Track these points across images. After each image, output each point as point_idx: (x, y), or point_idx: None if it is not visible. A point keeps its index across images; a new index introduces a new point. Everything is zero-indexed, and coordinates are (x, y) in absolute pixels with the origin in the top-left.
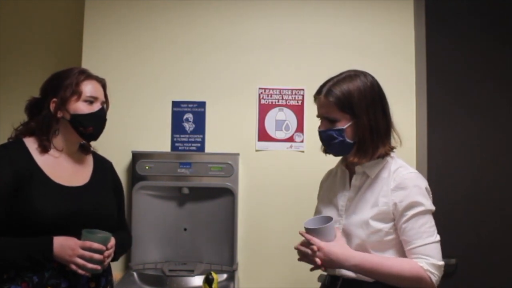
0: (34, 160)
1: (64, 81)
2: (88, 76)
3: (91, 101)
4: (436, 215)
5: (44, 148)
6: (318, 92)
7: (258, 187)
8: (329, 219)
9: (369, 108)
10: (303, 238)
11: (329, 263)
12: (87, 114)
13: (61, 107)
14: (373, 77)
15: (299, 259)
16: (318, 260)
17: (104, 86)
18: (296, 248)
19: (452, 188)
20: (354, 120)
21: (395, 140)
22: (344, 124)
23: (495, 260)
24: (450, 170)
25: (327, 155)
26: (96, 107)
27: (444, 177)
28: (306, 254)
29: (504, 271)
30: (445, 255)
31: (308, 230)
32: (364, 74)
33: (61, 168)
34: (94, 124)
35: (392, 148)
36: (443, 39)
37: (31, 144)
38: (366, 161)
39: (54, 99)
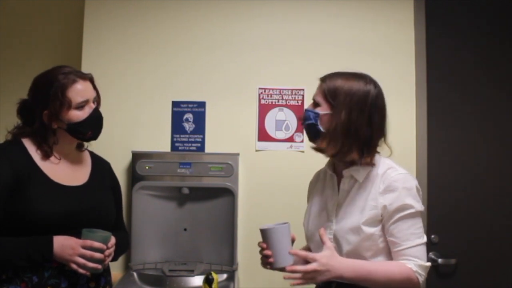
0: (33, 160)
1: (49, 91)
2: (72, 80)
3: (82, 105)
4: (436, 215)
5: (46, 154)
6: (322, 76)
7: (258, 187)
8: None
9: (352, 110)
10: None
11: (325, 274)
12: (83, 121)
13: (54, 118)
14: (376, 88)
15: (263, 265)
16: (311, 276)
17: (91, 80)
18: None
19: (452, 188)
20: (333, 111)
21: (383, 150)
22: (322, 110)
23: (495, 260)
24: (450, 170)
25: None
26: (89, 109)
27: (444, 177)
28: (302, 271)
29: (504, 271)
30: (445, 255)
31: (263, 231)
32: (369, 81)
33: (60, 168)
34: (91, 127)
35: (372, 160)
36: (443, 38)
37: (29, 145)
38: (332, 152)
39: (45, 112)
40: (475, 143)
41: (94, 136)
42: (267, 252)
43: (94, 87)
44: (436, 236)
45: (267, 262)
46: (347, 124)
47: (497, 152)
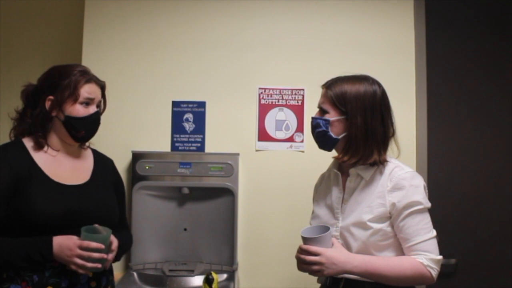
0: (33, 159)
1: (63, 81)
2: (87, 79)
3: (87, 102)
4: (436, 215)
5: (40, 145)
6: (324, 83)
7: (258, 187)
8: (326, 228)
9: (366, 112)
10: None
11: (332, 267)
12: (81, 118)
13: (56, 106)
14: (380, 87)
15: (299, 268)
16: (317, 268)
17: (103, 88)
18: (296, 257)
19: (452, 188)
20: (344, 117)
21: (393, 152)
22: (332, 117)
23: (495, 260)
24: (450, 170)
25: (327, 154)
26: (92, 109)
27: (444, 177)
28: (306, 261)
29: (504, 271)
30: (445, 255)
31: (305, 239)
32: (372, 81)
33: (61, 167)
34: (86, 128)
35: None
36: (443, 38)
37: (29, 143)
38: (355, 161)
39: (50, 97)
40: (475, 143)
41: (86, 137)
42: (314, 258)
43: (103, 95)
44: (436, 235)
45: (315, 270)
46: (364, 127)
47: (497, 152)
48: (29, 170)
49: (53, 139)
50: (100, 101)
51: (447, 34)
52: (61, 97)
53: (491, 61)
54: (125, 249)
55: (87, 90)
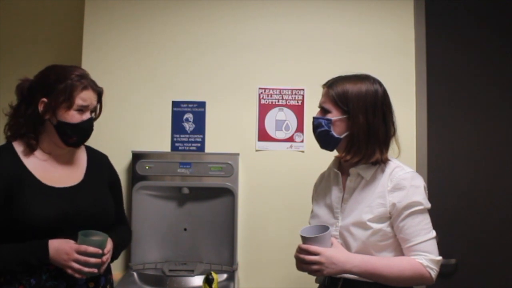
0: (24, 164)
1: (59, 84)
2: (84, 86)
3: (81, 109)
4: (436, 215)
5: (31, 147)
6: (325, 83)
7: (258, 187)
8: (325, 228)
9: (368, 111)
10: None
11: (331, 267)
12: (74, 124)
13: (49, 110)
14: (381, 86)
15: (298, 268)
16: (317, 267)
17: (99, 94)
18: (295, 257)
19: (452, 188)
20: (346, 116)
21: (393, 151)
22: (334, 116)
23: (495, 260)
24: (450, 170)
25: (327, 154)
26: (85, 116)
27: (444, 177)
28: (305, 260)
29: (504, 271)
30: (445, 255)
31: (304, 239)
32: (373, 80)
33: (52, 170)
34: (78, 135)
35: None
36: (443, 38)
37: (19, 148)
38: (357, 160)
39: (44, 99)
40: (475, 143)
41: (78, 143)
42: (314, 258)
43: (99, 101)
44: (436, 236)
45: (314, 270)
46: (366, 126)
47: (497, 151)
48: (20, 176)
49: (45, 141)
50: (95, 107)
51: (447, 34)
52: (55, 101)
53: (491, 61)
54: (124, 245)
55: (83, 97)
